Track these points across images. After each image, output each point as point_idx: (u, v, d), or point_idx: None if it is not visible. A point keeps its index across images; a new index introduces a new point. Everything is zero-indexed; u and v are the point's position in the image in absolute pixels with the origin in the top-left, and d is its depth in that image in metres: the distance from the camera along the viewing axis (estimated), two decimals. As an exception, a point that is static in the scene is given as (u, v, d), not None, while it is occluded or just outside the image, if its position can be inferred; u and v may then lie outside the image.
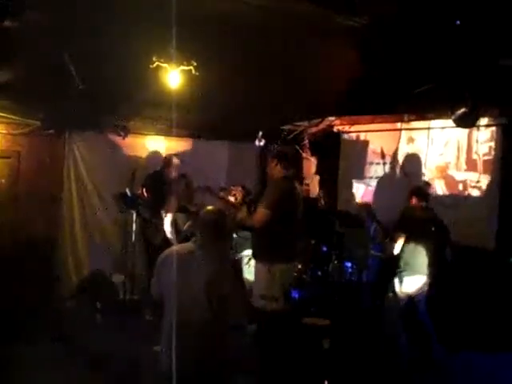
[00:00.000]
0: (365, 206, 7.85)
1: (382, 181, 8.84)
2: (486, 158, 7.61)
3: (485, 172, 7.60)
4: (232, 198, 7.00)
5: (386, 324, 6.20)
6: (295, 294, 6.31)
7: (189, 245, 4.14)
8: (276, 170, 5.59)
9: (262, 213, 5.32)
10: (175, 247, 4.25)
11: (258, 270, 5.53)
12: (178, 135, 8.90)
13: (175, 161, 7.95)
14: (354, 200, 9.18)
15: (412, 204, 6.30)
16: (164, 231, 7.63)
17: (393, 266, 6.22)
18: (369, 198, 8.91)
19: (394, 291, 6.15)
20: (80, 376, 5.58)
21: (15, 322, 6.50)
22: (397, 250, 6.07)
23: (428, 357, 6.08)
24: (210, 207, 4.35)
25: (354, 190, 9.30)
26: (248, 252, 7.07)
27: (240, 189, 7.58)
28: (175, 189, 7.58)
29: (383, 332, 6.27)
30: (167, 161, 7.96)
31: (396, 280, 6.15)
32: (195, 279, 3.86)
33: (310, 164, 9.93)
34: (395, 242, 6.09)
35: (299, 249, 5.77)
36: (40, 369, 5.63)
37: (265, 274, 5.36)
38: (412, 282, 6.06)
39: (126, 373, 5.58)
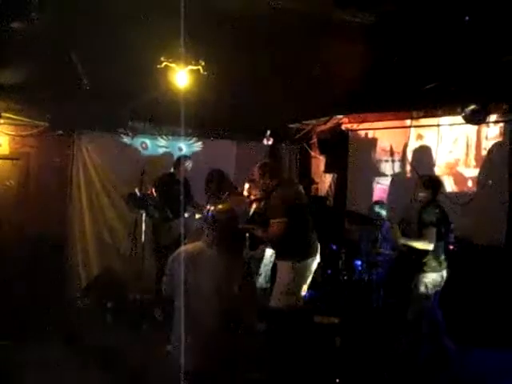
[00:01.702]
0: (377, 204, 7.79)
1: (393, 178, 8.81)
2: (496, 154, 7.56)
3: (494, 168, 7.56)
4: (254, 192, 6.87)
5: (404, 322, 6.14)
6: (306, 293, 6.31)
7: (200, 244, 4.13)
8: (269, 183, 5.66)
9: (280, 224, 5.35)
10: (186, 246, 4.24)
11: (281, 267, 5.57)
12: (186, 135, 8.91)
13: (186, 163, 7.94)
14: (365, 198, 9.16)
15: (419, 197, 6.20)
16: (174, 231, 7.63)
17: (405, 264, 6.16)
18: (378, 196, 8.88)
19: (409, 289, 6.06)
20: (89, 375, 5.58)
21: (25, 321, 6.52)
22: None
23: (439, 354, 6.05)
24: (220, 206, 4.33)
25: (364, 188, 9.27)
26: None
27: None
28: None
29: (396, 330, 6.22)
30: (179, 162, 7.94)
31: (412, 278, 6.05)
32: (206, 278, 3.86)
33: (319, 162, 9.92)
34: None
35: (316, 244, 5.80)
36: (49, 368, 5.64)
37: (287, 270, 5.41)
38: (427, 280, 6.00)
39: (136, 372, 5.59)
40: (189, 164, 7.95)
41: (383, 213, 7.46)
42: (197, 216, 7.52)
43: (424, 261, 5.93)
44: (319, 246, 5.76)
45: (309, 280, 5.61)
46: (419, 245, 5.88)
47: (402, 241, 6.05)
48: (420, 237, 5.90)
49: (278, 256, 5.72)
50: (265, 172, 5.70)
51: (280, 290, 5.42)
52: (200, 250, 4.02)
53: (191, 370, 3.69)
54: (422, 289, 5.97)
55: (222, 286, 3.86)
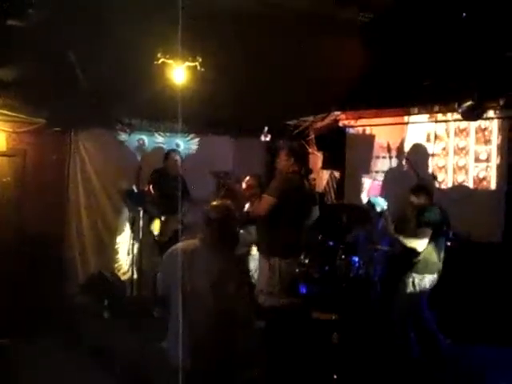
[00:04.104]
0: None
1: (389, 174, 8.81)
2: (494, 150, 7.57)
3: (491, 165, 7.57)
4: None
5: (395, 320, 6.14)
6: (303, 289, 6.30)
7: (195, 241, 4.09)
8: (286, 164, 5.58)
9: (266, 200, 5.28)
10: (181, 244, 4.21)
11: (260, 263, 5.54)
12: (184, 131, 8.90)
13: (175, 156, 7.95)
14: (362, 194, 9.18)
15: (414, 203, 6.18)
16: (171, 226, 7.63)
17: (402, 262, 6.16)
18: (375, 192, 8.88)
19: (403, 288, 6.06)
20: (86, 371, 5.59)
21: (22, 318, 6.52)
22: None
23: (435, 351, 6.07)
24: (214, 203, 4.27)
25: (362, 184, 9.27)
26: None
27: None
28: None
29: (391, 327, 6.23)
30: (167, 157, 7.97)
31: (406, 276, 6.04)
32: (200, 276, 3.84)
33: (317, 159, 9.91)
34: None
35: (303, 244, 5.75)
36: (47, 365, 5.65)
37: (266, 267, 5.35)
38: (423, 280, 6.00)
39: (132, 369, 5.59)
40: (176, 157, 7.96)
41: (379, 209, 7.45)
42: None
43: (415, 261, 5.94)
44: (314, 244, 5.72)
45: (289, 280, 5.51)
46: (410, 243, 5.89)
47: (395, 235, 6.07)
48: (414, 236, 5.91)
49: (258, 250, 5.65)
50: (289, 154, 5.63)
51: (258, 288, 5.36)
52: (194, 248, 3.99)
53: (187, 368, 3.68)
54: (410, 289, 5.98)
55: (216, 283, 3.84)
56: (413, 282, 5.96)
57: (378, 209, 6.57)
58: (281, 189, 5.31)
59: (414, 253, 5.91)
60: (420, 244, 5.83)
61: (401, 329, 6.03)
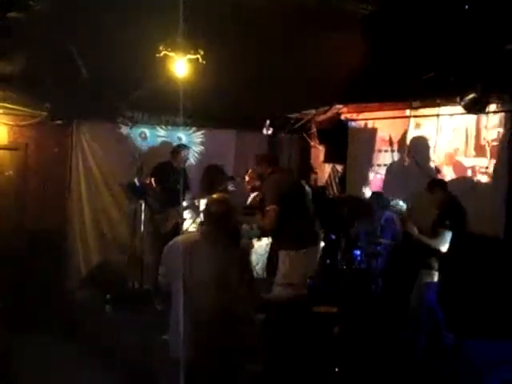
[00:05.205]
0: (377, 195, 7.82)
1: (392, 168, 8.80)
2: (495, 143, 7.55)
3: (494, 158, 7.54)
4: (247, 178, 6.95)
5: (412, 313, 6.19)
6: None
7: (195, 234, 4.10)
8: (262, 170, 5.74)
9: (271, 212, 5.38)
10: (181, 236, 4.21)
11: (280, 257, 5.61)
12: (186, 125, 8.90)
13: (185, 152, 7.96)
14: (363, 188, 9.17)
15: (431, 199, 6.24)
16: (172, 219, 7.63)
17: (418, 258, 6.21)
18: (377, 186, 8.87)
19: (424, 282, 6.11)
20: (89, 365, 5.60)
21: (24, 313, 6.53)
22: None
23: (437, 344, 6.08)
24: (214, 196, 4.28)
25: (364, 178, 9.26)
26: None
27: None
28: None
29: (403, 320, 6.26)
30: (177, 152, 7.97)
31: (426, 272, 6.10)
32: (201, 269, 3.84)
33: (318, 152, 9.90)
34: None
35: (315, 233, 5.81)
36: (48, 359, 5.66)
37: (285, 260, 5.43)
38: (435, 274, 6.05)
39: (135, 362, 5.61)
40: (186, 153, 7.98)
41: (383, 203, 7.47)
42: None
43: (435, 258, 6.01)
44: (321, 235, 5.80)
45: (309, 270, 5.61)
46: (434, 245, 5.97)
47: (419, 237, 6.12)
48: (435, 235, 5.97)
49: (276, 245, 5.76)
50: (260, 160, 5.81)
51: (277, 281, 5.45)
52: (195, 240, 3.99)
53: (189, 359, 3.69)
54: (429, 279, 6.04)
55: (216, 276, 3.84)
56: (431, 275, 6.03)
57: (400, 208, 6.67)
58: (277, 193, 5.47)
59: (433, 251, 6.00)
60: (444, 246, 5.94)
61: (413, 323, 6.08)
